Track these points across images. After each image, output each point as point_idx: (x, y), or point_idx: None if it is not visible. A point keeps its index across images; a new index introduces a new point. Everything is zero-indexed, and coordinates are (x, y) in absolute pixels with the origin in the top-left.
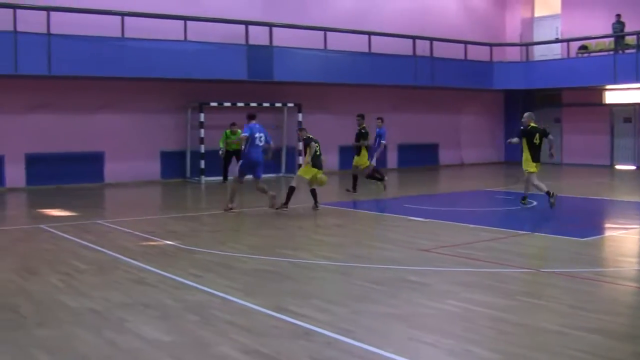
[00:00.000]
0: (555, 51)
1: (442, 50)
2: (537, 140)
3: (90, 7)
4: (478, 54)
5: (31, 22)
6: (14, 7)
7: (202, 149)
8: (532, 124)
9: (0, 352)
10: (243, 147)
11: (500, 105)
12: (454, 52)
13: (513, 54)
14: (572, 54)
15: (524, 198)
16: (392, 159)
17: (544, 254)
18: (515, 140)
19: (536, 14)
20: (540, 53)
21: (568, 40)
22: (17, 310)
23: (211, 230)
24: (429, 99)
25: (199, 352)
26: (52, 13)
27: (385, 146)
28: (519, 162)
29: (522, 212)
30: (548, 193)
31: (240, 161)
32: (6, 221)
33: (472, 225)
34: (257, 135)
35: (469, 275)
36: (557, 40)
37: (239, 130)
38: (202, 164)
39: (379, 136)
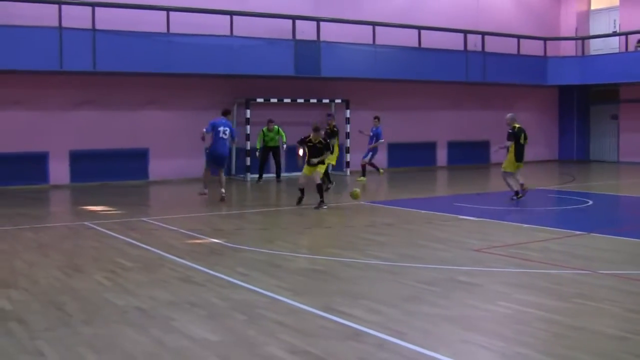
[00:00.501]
0: (612, 45)
1: (495, 45)
2: (522, 141)
3: (136, 2)
4: (531, 48)
5: (76, 18)
6: (59, 2)
7: (248, 145)
8: (517, 125)
9: (48, 351)
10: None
11: (555, 102)
12: (507, 46)
13: (568, 49)
14: (631, 47)
15: (516, 194)
16: (441, 157)
17: (601, 255)
18: (509, 143)
19: (593, 7)
20: (596, 47)
21: (626, 34)
22: (62, 308)
23: (258, 228)
24: (480, 95)
25: (246, 351)
26: (97, 8)
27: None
28: (572, 160)
29: (578, 212)
30: (516, 193)
31: (206, 154)
32: (51, 218)
33: (525, 225)
34: (221, 129)
35: (522, 276)
36: (614, 34)
37: (276, 127)
38: (248, 161)
39: (375, 136)
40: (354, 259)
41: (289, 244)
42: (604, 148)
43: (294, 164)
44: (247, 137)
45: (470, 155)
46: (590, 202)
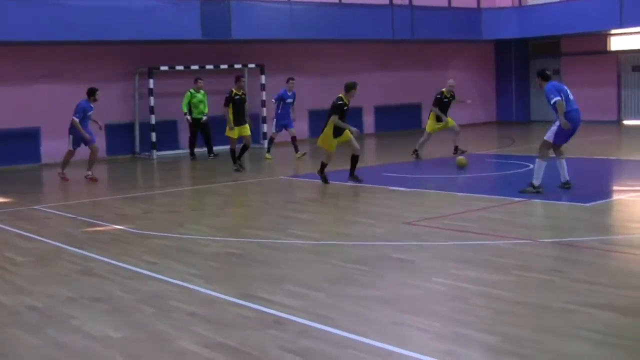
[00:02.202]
0: None
1: None
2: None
3: None
4: (464, 0)
5: None
6: None
7: (153, 119)
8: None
9: None
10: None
11: (491, 58)
12: None
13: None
14: None
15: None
16: (368, 123)
17: (543, 222)
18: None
19: None
20: None
21: None
22: None
23: (167, 212)
24: (409, 54)
25: (155, 348)
26: None
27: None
28: (512, 121)
29: (518, 177)
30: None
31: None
32: None
33: (460, 194)
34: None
35: (459, 249)
36: None
37: (202, 91)
38: (154, 136)
39: (280, 99)
40: (275, 239)
41: (202, 226)
42: (546, 107)
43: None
44: (152, 110)
45: (400, 121)
46: (531, 166)
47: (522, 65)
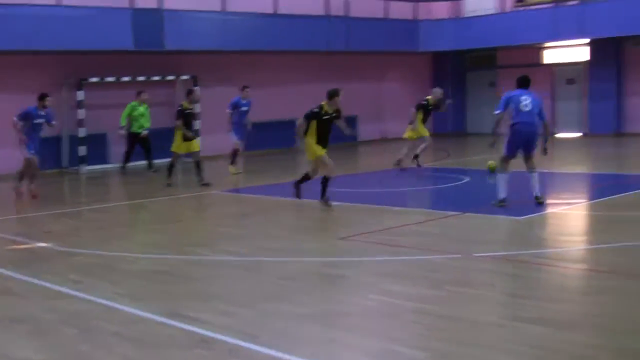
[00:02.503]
0: (488, 6)
1: (359, 9)
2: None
3: None
4: (401, 11)
5: None
6: None
7: (82, 132)
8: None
9: None
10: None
11: (428, 70)
12: (373, 10)
13: (441, 11)
14: (508, 8)
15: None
16: None
17: (477, 237)
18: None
19: None
20: (471, 8)
21: None
22: None
23: (96, 228)
24: (345, 65)
25: None
26: None
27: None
28: (448, 133)
29: (452, 190)
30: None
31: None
32: None
33: (395, 208)
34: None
35: (393, 264)
36: None
37: (145, 105)
38: (83, 150)
39: (235, 107)
40: (205, 255)
41: (131, 243)
42: (482, 119)
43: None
44: (80, 123)
45: (337, 133)
46: (466, 179)
47: (459, 77)
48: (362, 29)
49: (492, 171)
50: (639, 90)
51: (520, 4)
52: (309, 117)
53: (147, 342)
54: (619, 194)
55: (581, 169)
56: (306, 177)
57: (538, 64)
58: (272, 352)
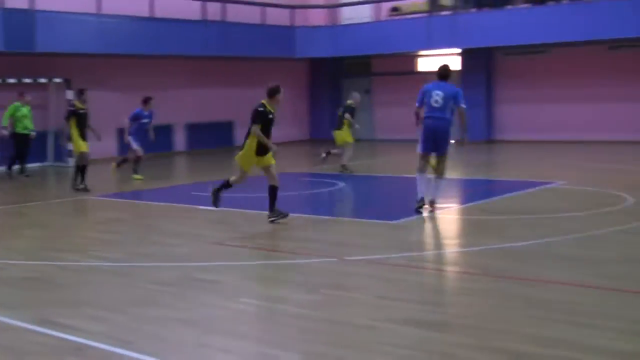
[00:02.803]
0: (364, 14)
1: (236, 14)
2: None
3: None
4: (278, 18)
5: None
6: None
7: None
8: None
9: None
10: None
11: (305, 76)
12: (250, 16)
13: (317, 18)
14: (383, 16)
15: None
16: (179, 141)
17: (352, 240)
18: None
19: None
20: (347, 16)
21: (378, 1)
22: None
23: None
24: (222, 70)
25: None
26: None
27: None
28: (325, 139)
29: (328, 195)
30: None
31: None
32: None
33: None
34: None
35: (267, 268)
36: (366, 2)
37: (28, 106)
38: None
39: (135, 119)
40: (77, 261)
41: None
42: (359, 125)
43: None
44: None
45: (213, 138)
46: (342, 185)
47: (335, 84)
48: (239, 34)
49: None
50: (508, 99)
51: (395, 13)
52: (258, 118)
53: (17, 351)
54: (489, 198)
55: (454, 174)
56: (227, 185)
57: (412, 72)
58: (147, 358)
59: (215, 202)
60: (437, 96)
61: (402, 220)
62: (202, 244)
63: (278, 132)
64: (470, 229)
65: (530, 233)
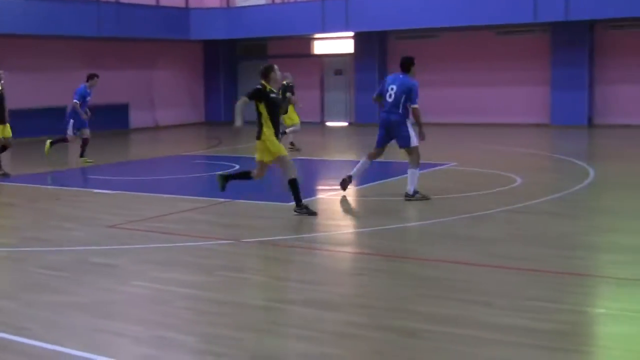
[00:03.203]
0: None
1: None
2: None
3: None
4: None
5: None
6: None
7: None
8: (285, 82)
9: None
10: None
11: (200, 58)
12: None
13: (213, 0)
14: None
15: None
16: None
17: (247, 222)
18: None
19: None
20: None
21: None
22: None
23: None
24: (116, 52)
25: None
26: None
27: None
28: (222, 122)
29: None
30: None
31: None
32: None
33: (166, 196)
34: None
35: (162, 251)
36: None
37: None
38: None
39: (83, 96)
40: None
41: None
42: (253, 108)
43: None
44: None
45: (107, 121)
46: (237, 167)
47: (231, 66)
48: (133, 15)
49: None
50: None
51: None
52: (253, 95)
53: None
54: (385, 179)
55: (348, 156)
56: (246, 175)
57: (308, 55)
58: (44, 345)
59: (223, 187)
60: (392, 90)
61: None
62: (97, 227)
63: (172, 114)
64: (365, 210)
65: (423, 214)
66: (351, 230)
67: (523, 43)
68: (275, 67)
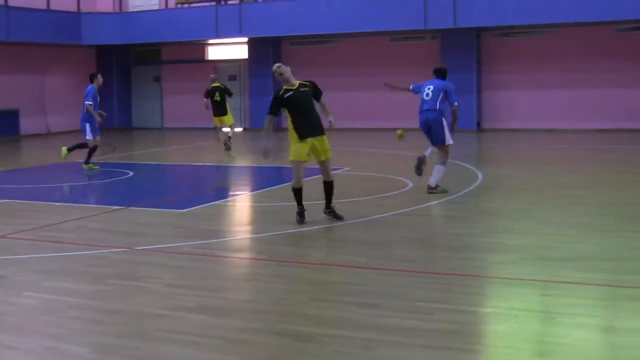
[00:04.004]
0: (152, 1)
1: None
2: (217, 97)
3: None
4: (63, 4)
5: None
6: None
7: None
8: (216, 84)
9: None
10: None
11: (92, 64)
12: (34, 1)
13: (105, 5)
14: (171, 4)
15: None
16: None
17: (141, 230)
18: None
19: None
20: (136, 3)
21: None
22: None
23: None
24: (5, 56)
25: None
26: None
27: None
28: (115, 128)
29: (117, 185)
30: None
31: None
32: None
33: (58, 204)
34: None
35: (53, 261)
36: None
37: None
38: None
39: (95, 97)
40: None
41: None
42: (147, 113)
43: None
44: None
45: None
46: (131, 174)
47: (124, 72)
48: (23, 19)
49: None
50: None
51: (183, 1)
52: (273, 106)
53: None
54: (278, 185)
55: (243, 162)
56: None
57: (203, 60)
58: None
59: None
60: (428, 90)
61: (191, 209)
62: None
63: (66, 120)
64: (258, 216)
65: (315, 219)
66: (246, 236)
67: (415, 49)
68: (277, 67)
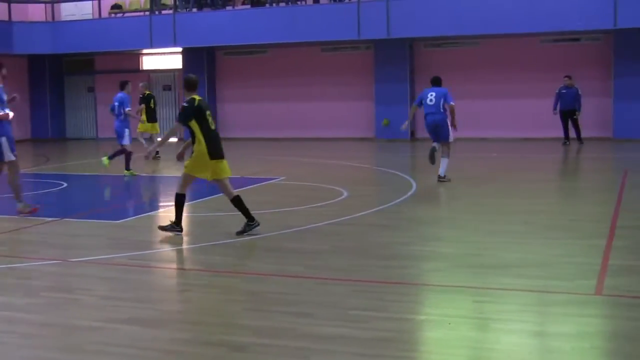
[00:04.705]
0: (85, 10)
1: None
2: (152, 105)
3: None
4: None
5: None
6: None
7: None
8: (147, 92)
9: None
10: None
11: (24, 73)
12: None
13: (37, 14)
14: (105, 13)
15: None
16: None
17: (75, 241)
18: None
19: None
20: (68, 13)
21: None
22: None
23: None
24: None
25: None
26: None
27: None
28: (47, 139)
29: (51, 196)
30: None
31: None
32: None
33: None
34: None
35: None
36: None
37: None
38: None
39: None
40: None
41: None
42: (81, 124)
43: None
44: None
45: None
46: (65, 185)
47: (57, 81)
48: None
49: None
50: (230, 97)
51: (116, 10)
52: (184, 116)
53: None
54: (214, 195)
55: (178, 173)
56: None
57: (137, 70)
58: None
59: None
60: (431, 96)
61: (126, 220)
62: None
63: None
64: (194, 226)
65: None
66: (181, 247)
67: (348, 59)
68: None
